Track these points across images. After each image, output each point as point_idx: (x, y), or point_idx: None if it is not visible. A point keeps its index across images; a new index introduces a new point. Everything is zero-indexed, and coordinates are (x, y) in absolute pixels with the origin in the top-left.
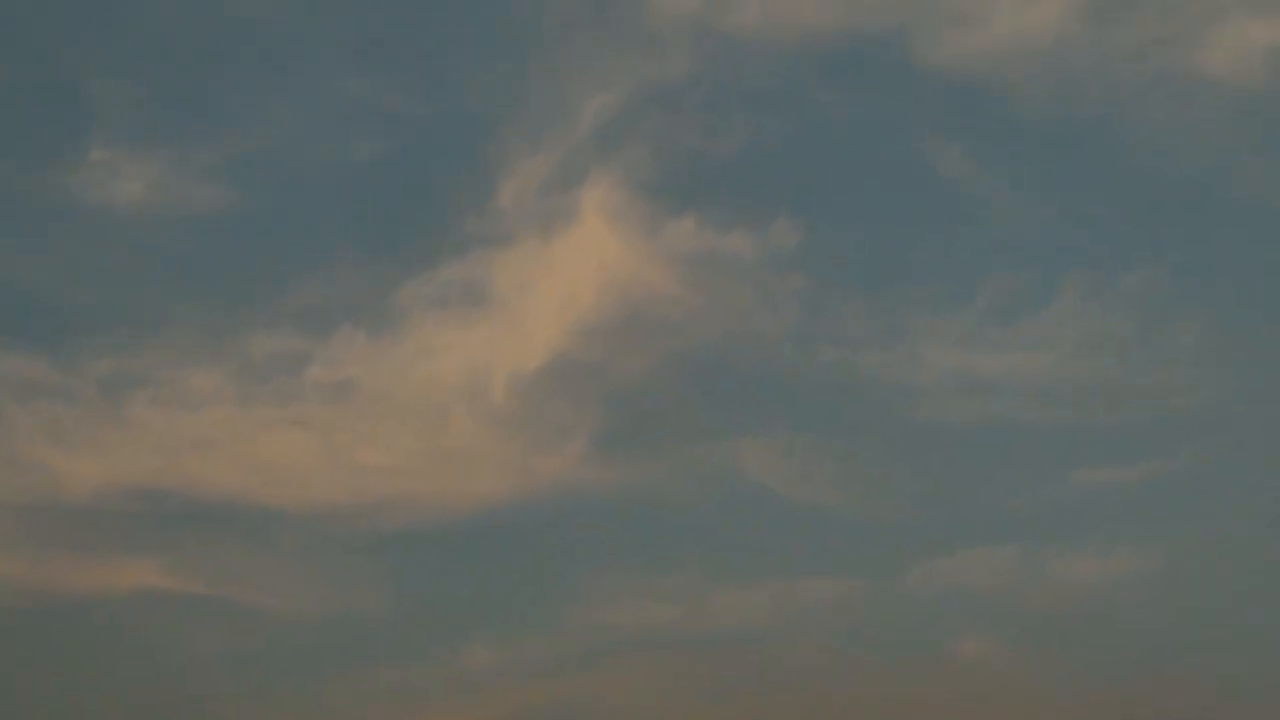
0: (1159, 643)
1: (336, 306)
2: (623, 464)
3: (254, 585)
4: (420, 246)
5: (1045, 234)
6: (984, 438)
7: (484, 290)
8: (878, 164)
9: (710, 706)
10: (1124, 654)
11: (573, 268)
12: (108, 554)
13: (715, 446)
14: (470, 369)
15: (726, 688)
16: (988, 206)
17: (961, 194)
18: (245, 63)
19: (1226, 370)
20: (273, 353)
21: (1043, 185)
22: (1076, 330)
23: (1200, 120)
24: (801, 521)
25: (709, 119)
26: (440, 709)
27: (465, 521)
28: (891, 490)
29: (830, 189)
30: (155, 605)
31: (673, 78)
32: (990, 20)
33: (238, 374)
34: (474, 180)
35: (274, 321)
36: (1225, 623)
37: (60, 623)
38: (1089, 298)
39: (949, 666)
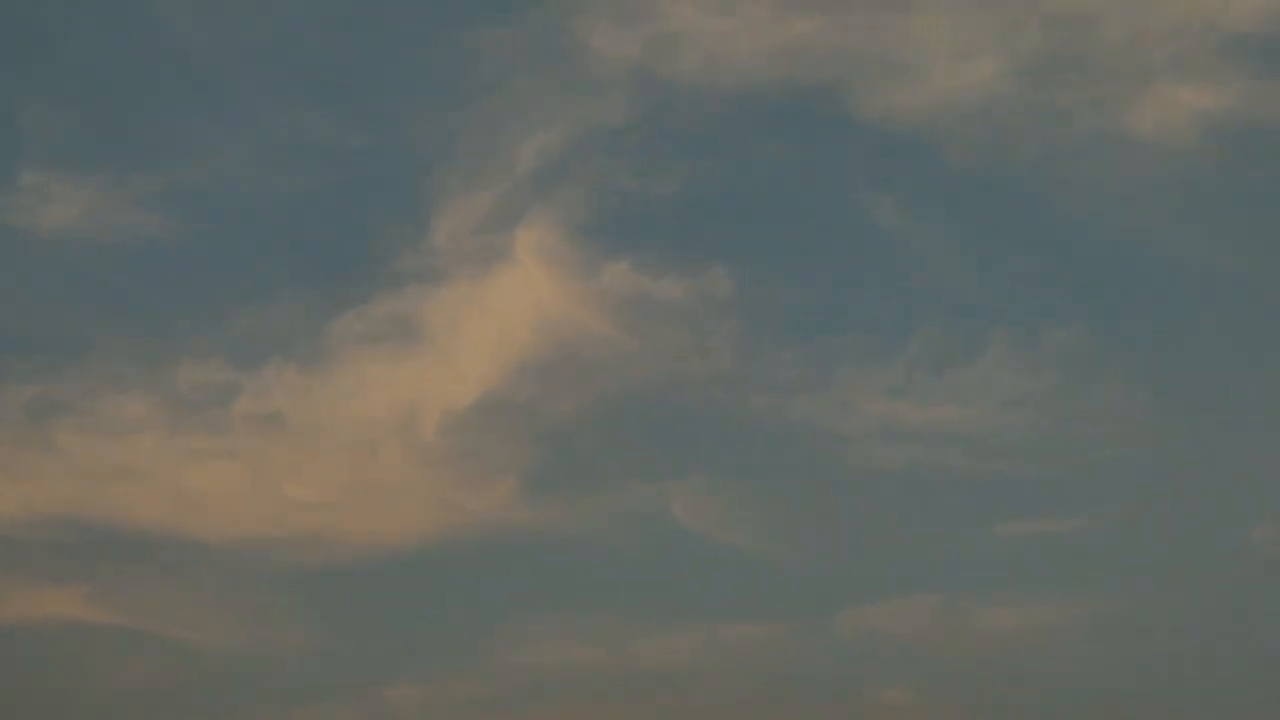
0: (1078, 694)
1: (268, 339)
2: (552, 504)
3: (176, 618)
4: (353, 281)
5: (975, 288)
6: (910, 486)
7: (417, 326)
8: (813, 213)
9: None
10: (1043, 705)
11: (506, 307)
12: (28, 582)
13: (644, 489)
14: (401, 405)
15: None
16: (920, 259)
17: (895, 245)
18: (184, 93)
19: (1148, 426)
20: (202, 383)
21: (974, 239)
22: (1003, 383)
23: (1129, 182)
24: (727, 565)
25: (647, 163)
26: None
27: (391, 558)
28: (818, 536)
29: (765, 236)
30: (75, 636)
31: (612, 121)
32: (926, 75)
33: (165, 403)
34: (409, 217)
35: (204, 352)
36: (1144, 676)
37: None
38: (1016, 352)
39: (871, 714)
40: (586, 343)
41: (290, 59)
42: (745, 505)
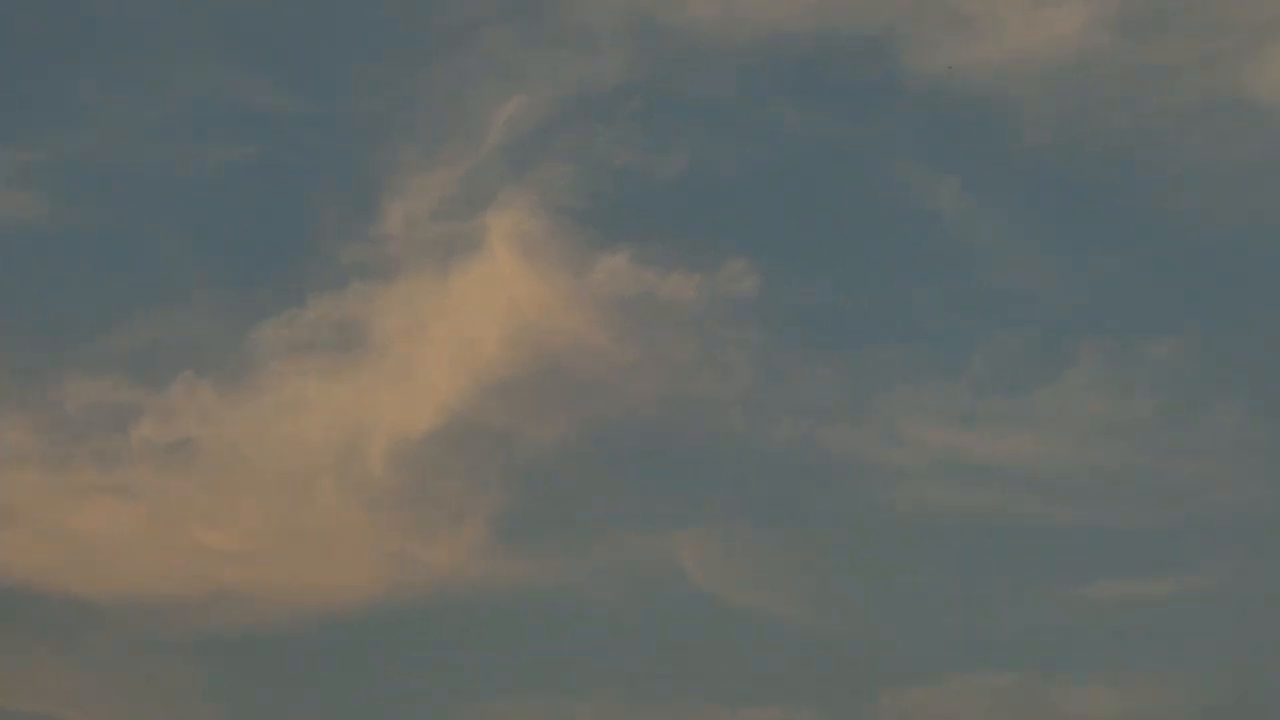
0: None
1: (176, 349)
2: (528, 557)
3: (54, 694)
4: (285, 278)
5: (1056, 290)
6: (975, 536)
7: (363, 334)
8: (854, 197)
9: None
10: None
11: (474, 310)
12: None
13: (645, 539)
14: (342, 430)
15: None
16: (987, 254)
17: (955, 237)
18: (83, 48)
19: (1270, 463)
20: (93, 403)
21: (1054, 231)
22: (1091, 409)
23: (1247, 159)
24: (749, 635)
25: (649, 134)
26: None
27: (326, 623)
28: (861, 599)
29: (794, 225)
30: None
31: (606, 81)
32: (999, 27)
33: (48, 428)
34: (356, 198)
35: (97, 365)
36: None
37: None
38: (1107, 370)
39: None
40: (574, 354)
41: (214, 6)
42: (770, 560)
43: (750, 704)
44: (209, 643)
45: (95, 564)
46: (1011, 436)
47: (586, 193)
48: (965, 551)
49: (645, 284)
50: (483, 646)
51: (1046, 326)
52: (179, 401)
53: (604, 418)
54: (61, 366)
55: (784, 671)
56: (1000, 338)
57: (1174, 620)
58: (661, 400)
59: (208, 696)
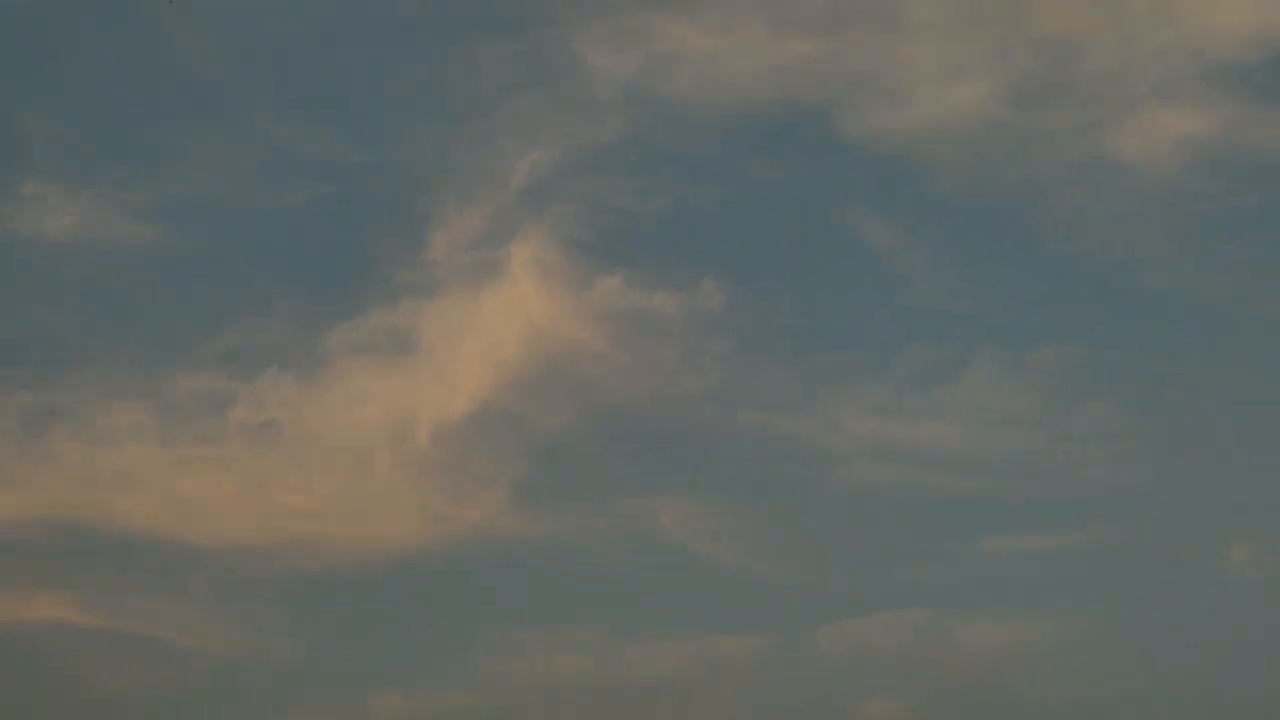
0: (1060, 710)
1: (264, 349)
2: (542, 516)
3: (166, 622)
4: (350, 294)
5: (962, 308)
6: (896, 503)
7: (411, 339)
8: (802, 231)
9: None
10: (1028, 716)
11: (500, 320)
12: (21, 586)
13: (634, 503)
14: (395, 415)
15: None
16: (907, 278)
17: (882, 265)
18: (185, 108)
19: (1134, 448)
20: (197, 392)
21: (961, 260)
22: (989, 403)
23: (1115, 206)
24: (715, 580)
25: (640, 181)
26: None
27: (383, 567)
28: (805, 552)
29: (756, 254)
30: (66, 638)
31: (606, 140)
32: (914, 98)
33: (161, 411)
34: (406, 231)
35: (200, 361)
36: (1127, 693)
37: None
38: (1002, 372)
39: None
40: (578, 357)
41: (290, 75)
42: (732, 520)
43: (714, 632)
44: (287, 582)
45: (196, 519)
46: (925, 426)
47: (590, 228)
48: (887, 515)
49: (635, 301)
50: (505, 586)
51: (953, 338)
52: (265, 391)
53: (602, 407)
54: (172, 363)
55: (742, 609)
56: (916, 347)
57: (1051, 570)
58: (648, 394)
59: (284, 624)
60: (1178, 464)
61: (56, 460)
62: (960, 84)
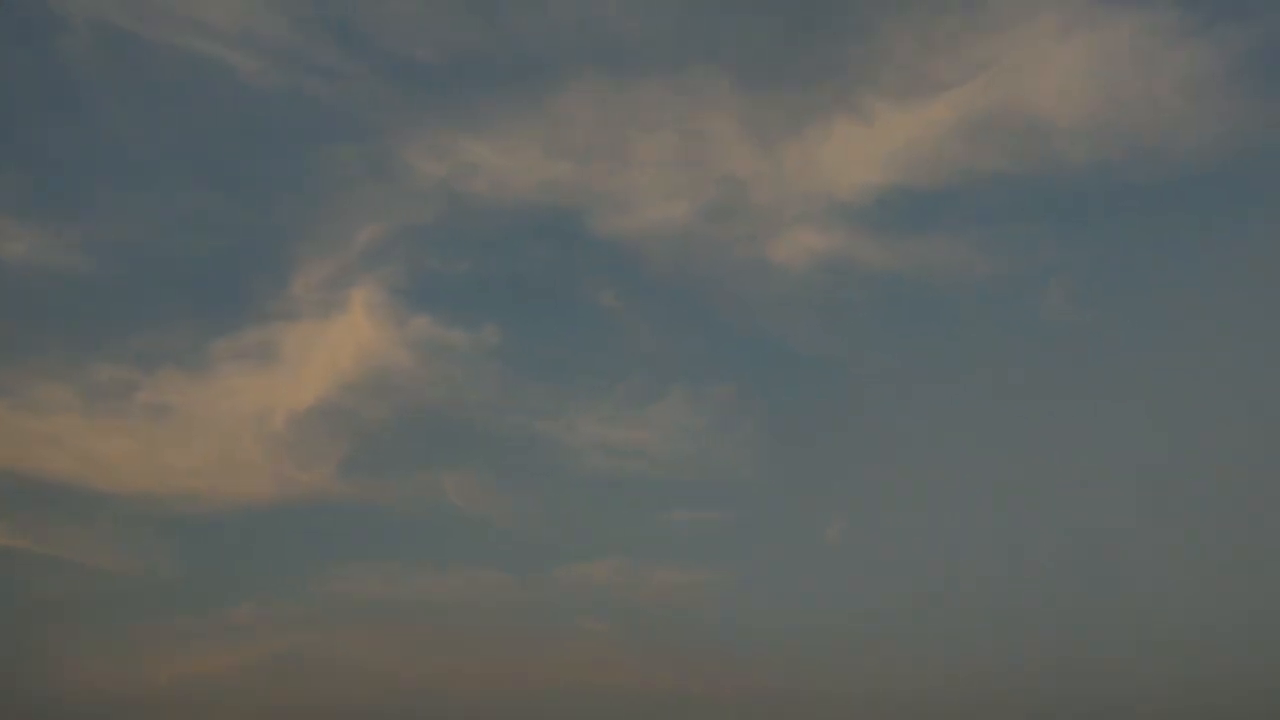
0: (713, 628)
1: (164, 351)
2: (362, 482)
3: (79, 549)
4: (231, 315)
5: (664, 355)
6: (615, 485)
7: (275, 351)
8: (558, 296)
9: (405, 661)
10: (695, 635)
11: (340, 343)
12: None
13: (427, 476)
14: (259, 406)
15: (419, 643)
16: (629, 332)
17: (613, 321)
18: (116, 170)
19: (766, 455)
20: (113, 379)
21: (665, 324)
22: (678, 420)
23: (768, 293)
24: (482, 532)
25: (447, 251)
26: (214, 650)
27: (245, 514)
28: (547, 515)
29: (525, 308)
30: (1, 559)
31: (423, 221)
32: (638, 210)
33: (84, 393)
34: (275, 273)
35: (115, 357)
36: (765, 617)
37: None
38: (687, 400)
39: (578, 637)
40: (394, 372)
41: (194, 152)
42: (497, 491)
43: (480, 569)
44: (171, 521)
45: (108, 473)
46: (636, 432)
47: (408, 282)
48: (607, 493)
49: (437, 336)
50: (333, 531)
51: (657, 375)
52: (163, 382)
53: (409, 408)
54: (95, 357)
55: (501, 553)
56: (633, 378)
57: (711, 535)
58: (443, 401)
59: (168, 553)
60: (795, 468)
61: (1, 425)
62: (669, 202)
